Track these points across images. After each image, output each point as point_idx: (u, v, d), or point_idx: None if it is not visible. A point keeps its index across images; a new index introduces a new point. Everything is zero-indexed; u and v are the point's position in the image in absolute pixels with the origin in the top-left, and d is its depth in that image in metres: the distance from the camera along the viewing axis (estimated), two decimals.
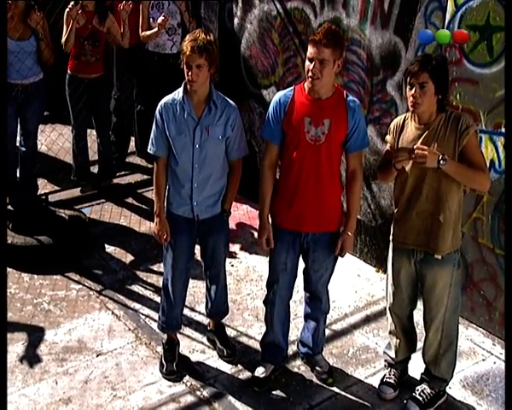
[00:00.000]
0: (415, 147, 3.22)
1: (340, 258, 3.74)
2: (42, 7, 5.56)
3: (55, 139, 6.30)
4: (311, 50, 3.31)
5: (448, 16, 4.11)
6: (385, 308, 4.54)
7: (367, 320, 4.48)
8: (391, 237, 3.59)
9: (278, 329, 3.84)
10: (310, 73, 3.33)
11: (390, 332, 3.82)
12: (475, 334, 4.36)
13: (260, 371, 3.86)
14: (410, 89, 3.26)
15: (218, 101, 3.62)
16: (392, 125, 3.52)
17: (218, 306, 4.10)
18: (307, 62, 3.35)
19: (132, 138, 6.87)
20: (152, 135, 3.71)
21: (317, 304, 3.81)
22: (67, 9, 5.55)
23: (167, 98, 3.67)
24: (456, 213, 3.41)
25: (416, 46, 4.36)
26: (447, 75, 3.32)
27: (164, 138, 3.66)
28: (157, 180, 3.77)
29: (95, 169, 6.26)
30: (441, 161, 3.17)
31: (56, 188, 6.04)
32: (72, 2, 5.45)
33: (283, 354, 3.94)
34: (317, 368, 3.92)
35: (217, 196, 3.76)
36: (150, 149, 3.73)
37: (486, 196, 4.16)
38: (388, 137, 3.52)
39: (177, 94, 3.64)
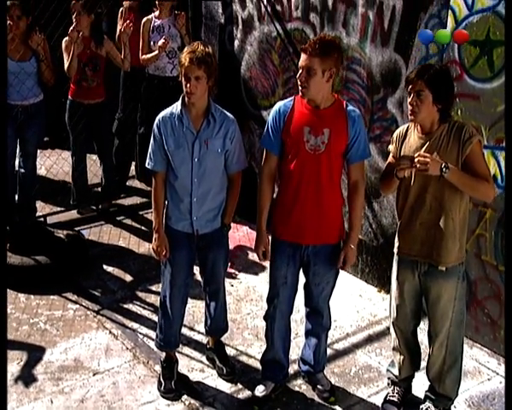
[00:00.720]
0: (417, 154, 3.18)
1: (341, 272, 3.68)
2: (43, 28, 5.60)
3: (54, 161, 6.29)
4: (300, 59, 3.33)
5: None
6: (387, 328, 4.47)
7: (369, 340, 4.39)
8: (395, 250, 3.53)
9: (279, 345, 3.76)
10: (298, 82, 3.34)
11: (393, 348, 3.74)
12: (480, 353, 4.27)
13: (260, 390, 3.77)
14: (409, 97, 3.26)
15: (216, 114, 3.59)
16: (394, 135, 3.49)
17: (218, 323, 4.02)
18: (299, 71, 3.36)
19: (133, 162, 6.86)
20: (150, 149, 3.67)
21: (318, 319, 3.74)
22: (66, 39, 5.58)
23: (165, 112, 3.64)
24: (460, 224, 3.37)
25: (417, 63, 4.35)
26: (448, 85, 3.28)
27: (162, 153, 3.62)
28: (155, 195, 3.71)
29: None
30: (444, 169, 3.14)
31: (55, 209, 6.01)
32: (71, 27, 5.47)
33: (284, 372, 3.85)
34: (318, 386, 3.82)
35: (216, 211, 3.71)
36: (148, 163, 3.68)
37: (489, 211, 4.11)
38: (391, 147, 3.49)
39: (175, 108, 3.61)
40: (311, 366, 3.84)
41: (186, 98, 3.53)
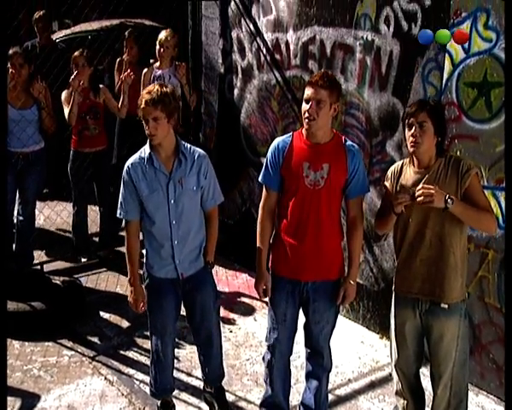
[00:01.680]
0: (419, 187, 3.15)
1: (342, 319, 3.61)
2: (45, 76, 5.66)
3: (53, 208, 6.27)
4: (307, 92, 3.32)
5: (445, 75, 4.14)
6: (390, 374, 4.36)
7: (372, 386, 4.28)
8: (393, 288, 3.47)
9: (278, 387, 3.65)
10: (306, 114, 3.32)
11: (396, 393, 3.63)
12: (486, 401, 4.15)
13: None
14: (410, 129, 3.25)
15: (186, 151, 3.55)
16: (389, 172, 3.48)
17: (214, 370, 3.91)
18: (303, 105, 3.34)
19: None
20: (120, 198, 3.56)
21: (319, 360, 3.64)
22: (65, 91, 5.64)
23: (134, 158, 3.56)
24: (461, 258, 3.32)
25: None
26: (444, 118, 3.31)
27: (134, 200, 3.52)
28: (129, 246, 3.59)
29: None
30: (448, 200, 3.11)
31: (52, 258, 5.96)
32: (72, 76, 5.52)
33: None
34: None
35: (198, 250, 3.64)
36: (120, 213, 3.58)
37: (491, 253, 4.07)
38: (387, 183, 3.47)
39: (143, 152, 3.54)
40: None
41: (149, 141, 3.49)
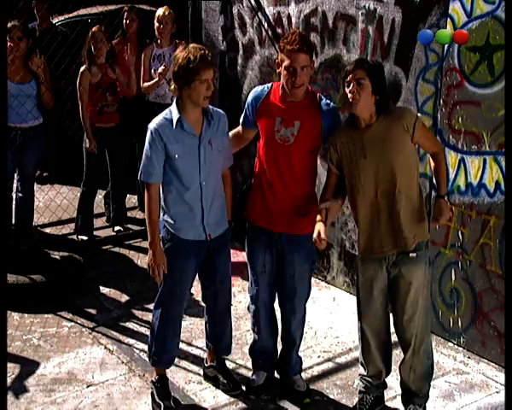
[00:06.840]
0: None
1: (342, 292, 3.66)
2: (43, 51, 5.63)
3: (52, 197, 6.23)
4: (290, 59, 3.29)
5: None
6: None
7: None
8: (358, 251, 3.48)
9: (266, 334, 3.73)
10: (294, 83, 3.32)
11: (363, 359, 3.61)
12: (487, 368, 4.12)
13: (255, 380, 3.76)
14: (348, 86, 3.23)
15: (212, 112, 3.52)
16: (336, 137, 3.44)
17: (229, 338, 3.85)
18: (285, 72, 3.33)
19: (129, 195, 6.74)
20: (145, 161, 3.42)
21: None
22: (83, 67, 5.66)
23: (159, 120, 3.42)
24: (418, 201, 3.36)
25: (417, 74, 4.36)
26: (384, 78, 3.32)
27: (160, 162, 3.40)
28: (152, 208, 3.44)
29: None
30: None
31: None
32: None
33: (275, 361, 3.81)
34: (295, 388, 3.76)
35: (221, 210, 3.59)
36: (142, 176, 3.44)
37: (493, 219, 4.04)
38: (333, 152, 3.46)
39: (168, 114, 3.42)
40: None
41: (202, 102, 3.36)
